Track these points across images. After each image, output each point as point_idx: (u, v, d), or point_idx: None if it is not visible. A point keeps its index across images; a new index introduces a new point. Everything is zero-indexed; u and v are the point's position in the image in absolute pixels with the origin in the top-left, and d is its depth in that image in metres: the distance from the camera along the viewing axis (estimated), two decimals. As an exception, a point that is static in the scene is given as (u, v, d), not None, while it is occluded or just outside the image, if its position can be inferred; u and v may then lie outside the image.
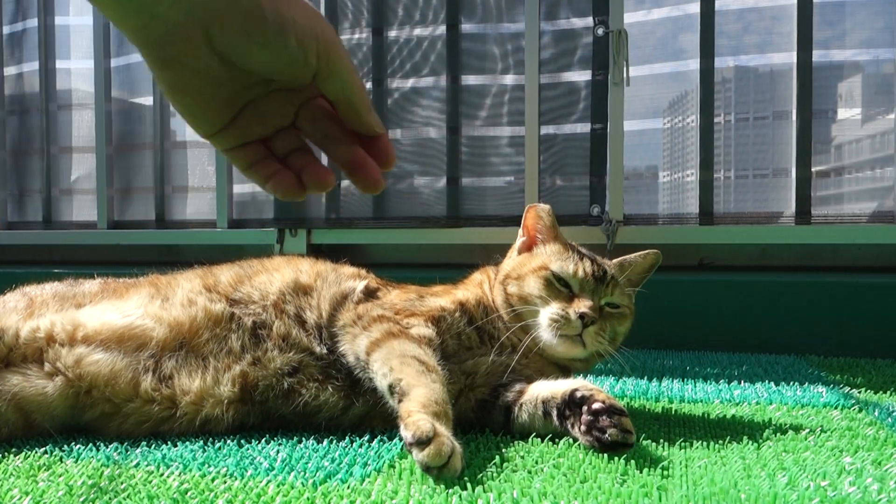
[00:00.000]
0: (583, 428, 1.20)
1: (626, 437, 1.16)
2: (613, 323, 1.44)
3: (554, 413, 1.27)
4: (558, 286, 1.42)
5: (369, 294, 1.48)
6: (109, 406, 1.29)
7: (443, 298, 1.47)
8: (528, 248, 1.55)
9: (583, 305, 1.37)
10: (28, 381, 1.26)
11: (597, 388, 1.23)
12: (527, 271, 1.46)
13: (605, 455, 1.16)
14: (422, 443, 1.02)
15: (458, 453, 1.05)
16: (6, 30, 3.32)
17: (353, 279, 1.51)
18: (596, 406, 1.19)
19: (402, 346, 1.25)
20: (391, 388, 1.18)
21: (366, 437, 1.28)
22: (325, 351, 1.36)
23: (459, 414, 1.37)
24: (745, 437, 1.31)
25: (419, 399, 1.11)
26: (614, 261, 1.53)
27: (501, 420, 1.34)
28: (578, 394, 1.23)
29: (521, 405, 1.32)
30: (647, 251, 1.54)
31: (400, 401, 1.14)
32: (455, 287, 1.55)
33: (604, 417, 1.17)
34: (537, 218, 1.54)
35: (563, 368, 1.47)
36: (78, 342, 1.31)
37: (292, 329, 1.38)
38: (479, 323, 1.43)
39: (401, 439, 1.11)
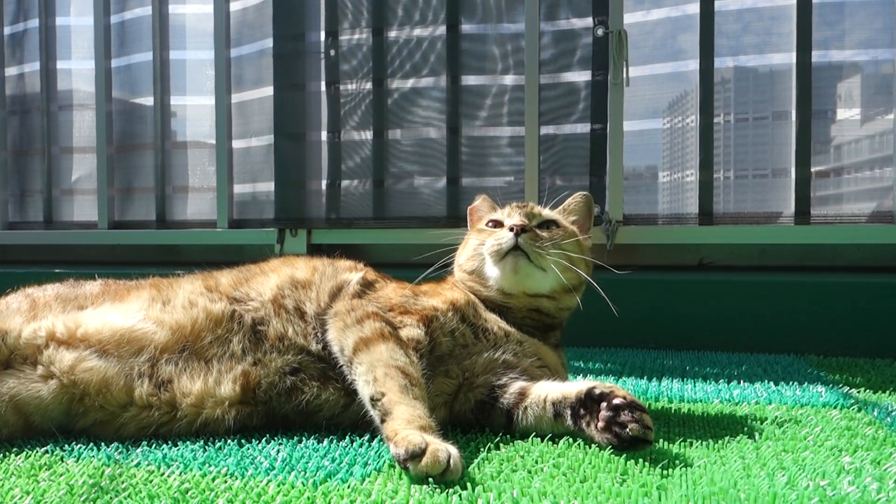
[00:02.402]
0: (601, 425, 1.19)
1: (646, 434, 1.15)
2: (556, 240, 1.48)
3: (567, 413, 1.26)
4: (492, 228, 1.54)
5: (366, 286, 1.50)
6: (103, 414, 1.29)
7: (435, 299, 1.48)
8: None
9: (511, 221, 1.49)
10: (24, 383, 1.26)
11: (615, 386, 1.23)
12: (467, 239, 1.60)
13: (606, 454, 1.16)
14: (416, 456, 1.03)
15: (456, 456, 1.05)
16: (7, 30, 3.33)
17: (349, 272, 1.53)
18: (617, 401, 1.18)
19: (390, 353, 1.26)
20: (373, 399, 1.19)
21: (366, 437, 1.28)
22: (320, 348, 1.37)
23: (458, 415, 1.37)
24: (744, 437, 1.31)
25: (403, 417, 1.12)
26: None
27: (503, 422, 1.34)
28: (597, 391, 1.22)
29: (526, 408, 1.31)
30: (576, 193, 1.65)
31: (383, 420, 1.15)
32: (441, 287, 1.57)
33: (625, 412, 1.17)
34: (477, 210, 1.70)
35: (547, 329, 1.51)
36: (77, 341, 1.30)
37: (289, 327, 1.39)
38: (471, 319, 1.44)
39: (393, 460, 1.11)
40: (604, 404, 1.20)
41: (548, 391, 1.31)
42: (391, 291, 1.49)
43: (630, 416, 1.16)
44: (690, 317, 2.48)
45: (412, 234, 2.74)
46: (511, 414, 1.33)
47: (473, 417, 1.37)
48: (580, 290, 1.53)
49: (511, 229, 1.44)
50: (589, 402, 1.23)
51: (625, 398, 1.18)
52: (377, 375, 1.21)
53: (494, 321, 1.47)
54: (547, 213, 1.56)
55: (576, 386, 1.28)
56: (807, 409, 1.57)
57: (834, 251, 2.55)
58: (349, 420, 1.34)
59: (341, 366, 1.32)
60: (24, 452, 1.19)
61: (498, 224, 1.54)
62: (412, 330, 1.37)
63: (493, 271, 1.48)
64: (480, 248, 1.50)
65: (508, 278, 1.46)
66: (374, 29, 2.76)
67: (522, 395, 1.33)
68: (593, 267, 1.56)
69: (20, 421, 1.26)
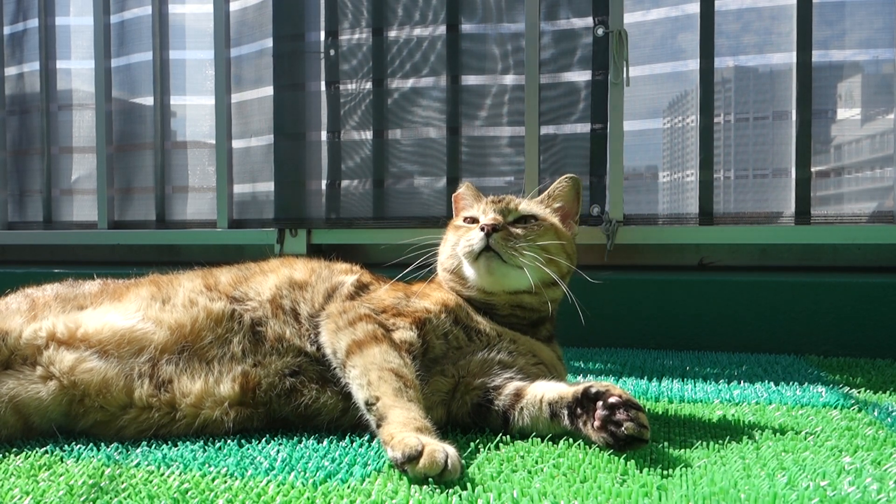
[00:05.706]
0: (597, 424, 1.18)
1: (641, 432, 1.14)
2: (531, 236, 1.46)
3: (564, 413, 1.26)
4: (468, 225, 1.53)
5: (361, 288, 1.50)
6: (103, 414, 1.29)
7: (426, 300, 1.47)
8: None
9: (484, 219, 1.46)
10: (24, 384, 1.26)
11: (611, 385, 1.22)
12: (447, 234, 1.59)
13: (606, 455, 1.16)
14: (413, 458, 1.03)
15: (453, 455, 1.05)
16: (7, 30, 3.33)
17: (344, 274, 1.53)
18: (612, 400, 1.18)
19: (383, 356, 1.26)
20: (368, 403, 1.20)
21: (366, 437, 1.28)
22: (314, 349, 1.37)
23: (456, 418, 1.37)
24: (744, 437, 1.31)
25: (398, 420, 1.13)
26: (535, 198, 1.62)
27: (500, 424, 1.34)
28: (593, 389, 1.22)
29: (522, 409, 1.31)
30: (562, 177, 1.61)
31: (379, 425, 1.15)
32: (430, 288, 1.55)
33: (620, 411, 1.16)
34: (461, 198, 1.70)
35: (536, 324, 1.50)
36: (77, 341, 1.30)
37: (286, 328, 1.38)
38: (464, 321, 1.44)
39: (391, 464, 1.11)
40: (600, 403, 1.19)
41: (544, 391, 1.30)
42: (383, 293, 1.49)
43: (625, 414, 1.16)
44: (690, 317, 2.48)
45: (412, 235, 2.73)
46: (507, 415, 1.33)
47: (471, 420, 1.37)
48: (566, 280, 1.49)
49: (482, 229, 1.42)
50: (585, 401, 1.23)
51: (620, 396, 1.18)
52: (371, 379, 1.21)
53: (486, 322, 1.46)
54: (524, 206, 1.53)
55: (572, 385, 1.28)
56: (807, 409, 1.57)
57: (834, 251, 2.55)
58: (348, 423, 1.34)
59: (335, 368, 1.32)
60: (24, 452, 1.19)
61: (474, 220, 1.53)
62: (405, 332, 1.37)
63: (469, 272, 1.47)
64: (456, 249, 1.49)
65: (484, 279, 1.45)
66: (374, 29, 2.76)
67: (518, 395, 1.33)
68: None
69: (20, 422, 1.26)
